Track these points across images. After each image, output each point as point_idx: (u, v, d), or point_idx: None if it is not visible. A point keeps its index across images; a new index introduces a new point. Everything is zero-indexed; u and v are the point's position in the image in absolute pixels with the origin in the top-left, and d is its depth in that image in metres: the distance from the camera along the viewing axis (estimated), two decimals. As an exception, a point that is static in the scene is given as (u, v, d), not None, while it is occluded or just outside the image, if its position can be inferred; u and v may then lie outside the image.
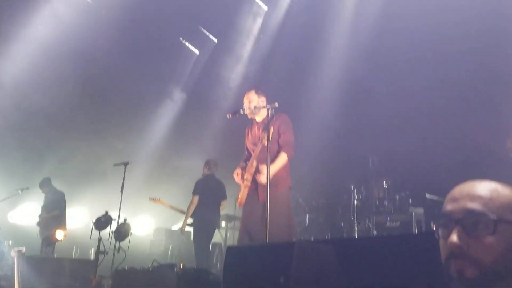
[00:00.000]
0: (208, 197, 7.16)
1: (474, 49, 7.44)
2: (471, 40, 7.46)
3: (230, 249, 2.65)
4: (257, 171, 4.13)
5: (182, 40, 10.56)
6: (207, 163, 7.54)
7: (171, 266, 3.80)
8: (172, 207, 7.33)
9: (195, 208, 7.06)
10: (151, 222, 11.26)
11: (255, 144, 4.36)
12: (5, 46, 8.12)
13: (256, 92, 4.56)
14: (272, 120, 4.22)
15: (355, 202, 7.60)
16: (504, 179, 1.25)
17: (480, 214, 1.08)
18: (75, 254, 9.65)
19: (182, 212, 7.52)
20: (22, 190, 8.26)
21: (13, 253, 3.56)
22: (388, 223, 7.05)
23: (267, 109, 4.25)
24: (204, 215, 7.03)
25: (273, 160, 4.12)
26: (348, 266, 2.32)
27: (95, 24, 8.66)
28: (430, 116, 8.23)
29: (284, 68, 9.68)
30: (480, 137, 7.13)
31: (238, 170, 4.38)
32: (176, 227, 10.94)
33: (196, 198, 7.08)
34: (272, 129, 4.09)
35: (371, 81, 8.96)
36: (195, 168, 9.07)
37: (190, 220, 7.19)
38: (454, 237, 1.08)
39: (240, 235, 4.21)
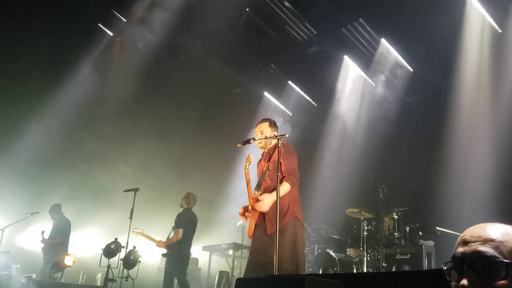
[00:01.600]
0: (189, 232, 7.32)
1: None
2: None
3: (239, 281, 2.64)
4: (256, 200, 4.04)
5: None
6: (187, 197, 7.63)
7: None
8: (151, 239, 7.34)
9: (177, 242, 7.14)
10: (159, 248, 11.18)
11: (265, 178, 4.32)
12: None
13: (270, 125, 4.56)
14: (277, 148, 4.17)
15: (365, 233, 7.53)
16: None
17: (492, 258, 1.08)
18: (81, 280, 9.59)
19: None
20: (32, 214, 8.29)
21: (23, 279, 3.56)
22: (398, 255, 6.96)
23: (278, 139, 4.22)
24: (184, 250, 7.21)
25: (274, 188, 4.00)
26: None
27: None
28: (440, 147, 8.21)
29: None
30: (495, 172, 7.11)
31: (241, 210, 4.29)
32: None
33: (181, 232, 7.17)
34: (276, 156, 4.06)
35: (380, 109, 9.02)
36: (204, 197, 9.14)
37: (164, 250, 7.25)
38: (465, 281, 1.07)
39: (247, 266, 4.11)
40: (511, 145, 7.07)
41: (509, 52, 7.56)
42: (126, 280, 5.89)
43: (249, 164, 4.37)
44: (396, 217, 7.43)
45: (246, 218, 4.21)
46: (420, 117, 9.15)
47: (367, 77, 9.71)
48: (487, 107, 7.75)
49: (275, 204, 3.91)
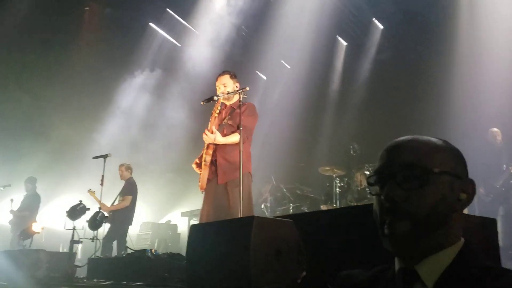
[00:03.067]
0: (135, 200, 7.74)
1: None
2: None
3: (193, 227, 2.64)
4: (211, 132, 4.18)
5: (163, 33, 10.52)
6: (129, 167, 8.00)
7: (143, 251, 3.78)
8: (98, 201, 7.46)
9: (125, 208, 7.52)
10: (138, 216, 11.20)
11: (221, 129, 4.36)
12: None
13: (231, 76, 4.53)
14: (241, 106, 4.19)
15: (337, 190, 7.64)
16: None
17: (412, 166, 1.06)
18: (62, 250, 9.58)
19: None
20: (4, 187, 8.22)
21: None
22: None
23: (239, 93, 4.21)
24: (130, 216, 7.66)
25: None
26: (308, 238, 2.33)
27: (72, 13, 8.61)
28: (412, 98, 8.29)
29: (263, 56, 9.68)
30: (462, 123, 7.22)
31: (196, 160, 4.38)
32: (163, 220, 10.94)
33: (130, 199, 7.58)
34: (238, 112, 4.09)
35: (352, 67, 9.01)
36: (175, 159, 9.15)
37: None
38: (387, 191, 1.05)
39: (200, 219, 4.20)
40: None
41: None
42: (92, 241, 5.90)
43: (218, 110, 4.35)
44: (368, 172, 7.51)
45: (201, 169, 4.24)
46: (392, 74, 9.18)
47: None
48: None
49: (227, 156, 4.09)
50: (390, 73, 9.14)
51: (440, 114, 7.72)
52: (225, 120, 4.35)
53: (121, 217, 7.51)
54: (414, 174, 1.05)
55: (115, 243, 7.43)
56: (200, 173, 4.28)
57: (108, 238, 7.20)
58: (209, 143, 4.24)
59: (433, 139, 1.14)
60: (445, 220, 1.04)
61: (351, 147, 7.80)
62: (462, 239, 1.07)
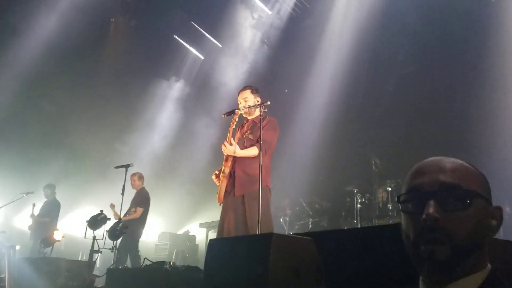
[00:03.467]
0: (147, 211, 7.67)
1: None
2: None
3: (212, 242, 2.63)
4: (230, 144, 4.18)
5: (187, 46, 10.67)
6: (141, 177, 7.93)
7: (162, 263, 3.78)
8: (114, 212, 7.46)
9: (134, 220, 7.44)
10: (156, 226, 11.27)
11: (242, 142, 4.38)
12: (15, 40, 8.33)
13: (252, 91, 4.56)
14: (263, 120, 4.20)
15: (359, 205, 7.53)
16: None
17: (455, 187, 1.04)
18: (81, 259, 9.69)
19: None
20: (27, 194, 8.34)
21: (3, 250, 3.57)
22: (391, 226, 6.95)
23: (260, 108, 4.23)
24: (140, 228, 7.56)
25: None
26: (328, 257, 2.29)
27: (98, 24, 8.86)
28: (436, 118, 8.15)
29: (286, 70, 9.70)
30: (485, 141, 7.06)
31: (216, 171, 4.39)
32: (181, 231, 10.97)
33: (141, 211, 7.52)
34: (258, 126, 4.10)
35: (374, 82, 8.93)
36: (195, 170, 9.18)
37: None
38: (430, 210, 1.02)
39: (218, 227, 4.20)
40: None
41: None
42: (112, 252, 5.94)
43: (236, 122, 4.37)
44: (390, 188, 7.40)
45: (220, 181, 4.24)
46: (416, 89, 9.06)
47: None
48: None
49: (245, 168, 4.10)
50: (413, 88, 9.03)
51: (463, 131, 7.57)
52: (246, 133, 4.38)
53: (132, 228, 7.39)
54: (458, 195, 1.04)
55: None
56: (219, 185, 4.29)
57: (121, 249, 7.12)
58: (228, 155, 4.25)
59: (465, 162, 1.13)
60: (479, 246, 1.03)
61: (372, 162, 7.71)
62: (489, 265, 1.05)
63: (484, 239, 1.04)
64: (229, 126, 4.41)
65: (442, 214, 1.02)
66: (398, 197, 1.13)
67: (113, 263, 5.83)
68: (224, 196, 4.23)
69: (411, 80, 9.24)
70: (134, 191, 7.88)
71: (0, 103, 8.45)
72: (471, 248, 1.01)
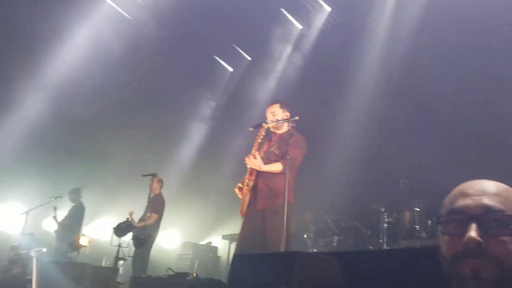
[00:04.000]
0: (161, 217, 7.57)
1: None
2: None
3: (236, 257, 2.63)
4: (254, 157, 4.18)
5: (216, 58, 10.77)
6: (161, 181, 7.85)
7: (185, 274, 3.80)
8: (131, 219, 7.45)
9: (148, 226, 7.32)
10: (179, 236, 11.34)
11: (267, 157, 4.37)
12: (48, 51, 8.56)
13: (281, 106, 4.57)
14: (290, 136, 4.20)
15: (385, 225, 7.39)
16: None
17: (500, 212, 1.02)
18: (104, 264, 9.80)
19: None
20: (56, 198, 8.52)
21: (32, 253, 3.65)
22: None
23: (288, 122, 4.23)
24: (153, 235, 7.37)
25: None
26: (353, 278, 2.24)
27: (134, 40, 9.01)
28: (466, 139, 7.96)
29: (315, 86, 9.67)
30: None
31: (239, 184, 4.38)
32: (204, 241, 10.99)
33: (155, 218, 7.40)
34: (286, 140, 4.10)
35: (404, 102, 8.80)
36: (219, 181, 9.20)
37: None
38: (472, 233, 1.00)
39: (238, 244, 4.20)
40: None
41: None
42: (136, 259, 5.98)
43: (263, 136, 4.37)
44: (418, 209, 7.24)
45: (243, 194, 4.24)
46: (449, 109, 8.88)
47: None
48: None
49: (268, 182, 4.05)
50: (445, 108, 8.84)
51: (497, 153, 7.37)
52: (272, 148, 4.38)
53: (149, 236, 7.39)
54: (502, 220, 1.02)
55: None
56: (242, 198, 4.29)
57: (136, 257, 7.06)
58: (252, 169, 4.24)
59: (509, 187, 1.11)
60: None
61: (401, 181, 7.56)
62: None
63: None
64: (255, 140, 4.43)
65: (484, 238, 1.00)
66: (438, 218, 1.12)
67: (133, 270, 5.84)
68: (247, 209, 4.22)
69: (445, 100, 9.07)
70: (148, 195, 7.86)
71: (33, 110, 8.70)
72: None
